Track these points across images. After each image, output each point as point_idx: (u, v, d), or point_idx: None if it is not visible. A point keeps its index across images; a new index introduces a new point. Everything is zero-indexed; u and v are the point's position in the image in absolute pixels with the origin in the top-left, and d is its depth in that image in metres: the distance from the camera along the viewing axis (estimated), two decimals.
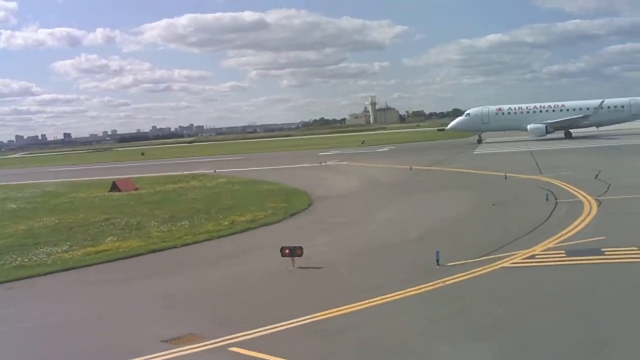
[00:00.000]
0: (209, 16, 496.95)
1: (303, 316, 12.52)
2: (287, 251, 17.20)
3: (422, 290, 13.88)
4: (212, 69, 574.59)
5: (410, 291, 13.80)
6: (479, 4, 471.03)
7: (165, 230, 25.16)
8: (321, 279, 16.18)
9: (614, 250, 16.35)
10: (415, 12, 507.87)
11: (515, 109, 76.60)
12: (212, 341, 11.48)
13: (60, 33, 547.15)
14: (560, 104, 76.60)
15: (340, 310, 12.80)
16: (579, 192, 27.15)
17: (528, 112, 75.63)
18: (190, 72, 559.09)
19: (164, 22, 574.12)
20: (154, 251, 21.46)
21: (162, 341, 11.67)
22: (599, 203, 24.14)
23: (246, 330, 11.86)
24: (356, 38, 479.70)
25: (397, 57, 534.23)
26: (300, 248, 17.13)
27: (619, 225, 20.23)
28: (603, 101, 72.55)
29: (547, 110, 75.45)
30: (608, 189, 27.86)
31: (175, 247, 22.06)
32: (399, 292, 13.70)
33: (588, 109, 72.68)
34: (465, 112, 79.40)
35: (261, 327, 12.00)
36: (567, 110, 74.73)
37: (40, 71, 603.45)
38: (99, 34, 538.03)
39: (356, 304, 13.11)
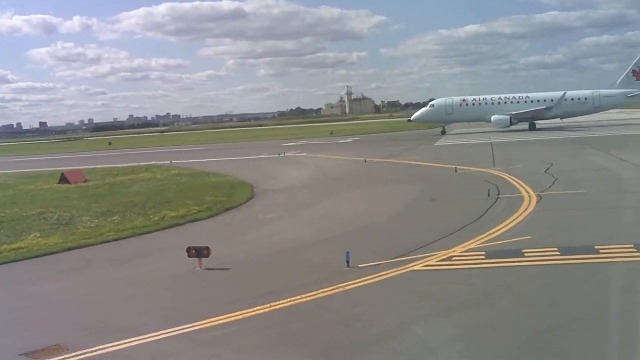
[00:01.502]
0: (187, 5, 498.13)
1: (186, 324, 11.78)
2: (193, 251, 16.50)
3: (317, 296, 13.15)
4: (189, 57, 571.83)
5: (303, 297, 13.07)
6: None
7: (93, 226, 24.37)
8: (222, 282, 15.46)
9: (535, 251, 15.68)
10: (393, 2, 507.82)
11: (479, 100, 75.92)
12: (75, 353, 10.67)
13: (36, 20, 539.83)
14: (524, 95, 76.02)
15: (225, 318, 12.09)
16: (523, 187, 26.65)
17: (492, 103, 74.93)
18: (167, 60, 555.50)
19: (142, 10, 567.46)
20: (70, 249, 20.59)
21: (20, 354, 10.79)
22: (539, 198, 23.63)
23: (118, 340, 11.09)
24: (334, 27, 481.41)
25: (375, 47, 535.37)
26: (207, 248, 16.37)
27: (549, 223, 19.60)
28: (565, 93, 72.18)
29: (511, 102, 74.78)
30: (553, 183, 27.38)
31: (94, 244, 21.27)
32: (292, 299, 12.99)
33: (552, 100, 72.21)
34: (430, 103, 78.50)
35: (135, 337, 11.24)
36: (532, 101, 74.05)
37: (16, 59, 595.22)
38: (75, 22, 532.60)
39: (243, 312, 12.39)
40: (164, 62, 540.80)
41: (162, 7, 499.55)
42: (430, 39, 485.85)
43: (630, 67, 73.46)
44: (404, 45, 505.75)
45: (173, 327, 11.63)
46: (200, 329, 11.60)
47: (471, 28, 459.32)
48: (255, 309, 12.53)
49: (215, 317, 12.15)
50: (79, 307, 14.09)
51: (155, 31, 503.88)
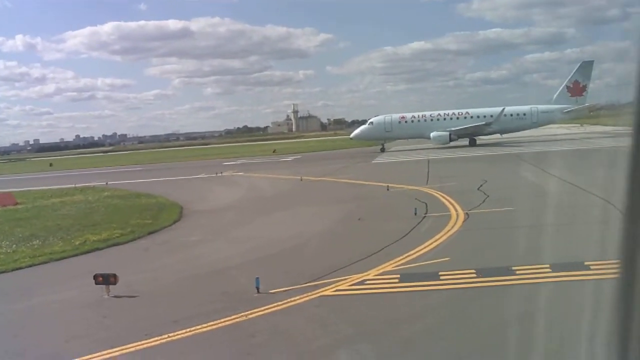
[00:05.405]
0: (133, 24, 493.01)
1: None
2: (100, 279, 15.82)
3: (218, 326, 12.52)
4: (135, 77, 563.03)
5: (203, 327, 12.43)
6: (402, 12, 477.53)
7: (10, 252, 23.32)
8: (125, 311, 14.73)
9: (451, 274, 15.22)
10: (339, 20, 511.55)
11: (418, 116, 75.96)
12: None
13: None
14: (464, 111, 76.31)
15: (118, 351, 11.46)
16: (453, 205, 26.33)
17: (432, 120, 75.04)
18: (113, 80, 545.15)
19: (87, 29, 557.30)
20: None
21: None
22: (467, 217, 23.29)
23: None
24: (281, 46, 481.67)
25: (321, 65, 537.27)
26: (114, 275, 15.73)
27: (471, 244, 19.27)
28: (504, 109, 72.59)
29: (450, 118, 75.02)
30: (484, 201, 27.04)
31: (5, 271, 20.32)
32: (191, 329, 12.36)
33: (492, 116, 72.63)
34: (369, 121, 78.36)
35: None
36: (471, 117, 74.39)
37: None
38: (18, 41, 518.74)
39: (137, 343, 11.75)
40: (110, 81, 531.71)
41: (108, 27, 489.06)
42: (375, 56, 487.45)
43: (565, 83, 74.36)
44: (349, 63, 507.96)
45: None
46: None
47: (416, 45, 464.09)
48: (150, 340, 11.90)
49: (106, 349, 11.51)
50: None
51: (101, 51, 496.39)
